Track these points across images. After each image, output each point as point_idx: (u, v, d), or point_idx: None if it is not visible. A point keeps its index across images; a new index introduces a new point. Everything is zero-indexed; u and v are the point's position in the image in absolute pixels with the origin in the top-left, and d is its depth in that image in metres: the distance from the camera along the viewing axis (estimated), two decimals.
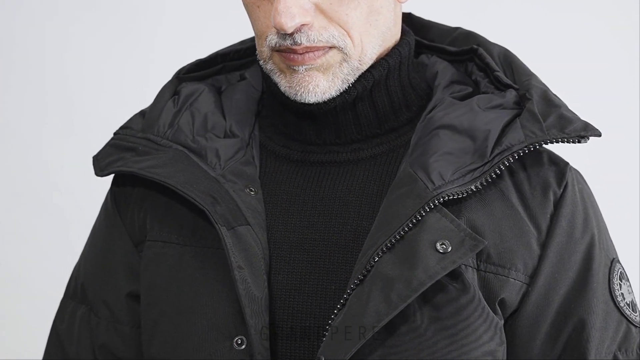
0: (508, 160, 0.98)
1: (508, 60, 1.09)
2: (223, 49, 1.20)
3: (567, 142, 0.98)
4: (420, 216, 0.96)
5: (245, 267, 0.97)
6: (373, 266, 0.95)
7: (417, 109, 1.08)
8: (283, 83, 1.02)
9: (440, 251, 0.94)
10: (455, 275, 0.96)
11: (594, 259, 1.01)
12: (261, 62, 1.04)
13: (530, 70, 1.08)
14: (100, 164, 1.09)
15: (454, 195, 0.96)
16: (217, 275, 1.00)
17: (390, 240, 0.95)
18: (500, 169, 0.98)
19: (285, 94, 1.03)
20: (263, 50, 1.03)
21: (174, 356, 1.02)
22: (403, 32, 1.09)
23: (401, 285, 0.92)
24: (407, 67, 1.07)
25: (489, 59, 1.09)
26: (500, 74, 1.07)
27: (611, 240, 1.07)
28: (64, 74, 1.99)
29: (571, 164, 1.06)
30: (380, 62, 1.04)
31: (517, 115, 1.02)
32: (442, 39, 1.16)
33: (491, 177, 0.98)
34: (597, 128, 1.00)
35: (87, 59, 1.98)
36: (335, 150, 1.06)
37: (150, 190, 1.08)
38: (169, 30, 1.91)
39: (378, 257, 0.95)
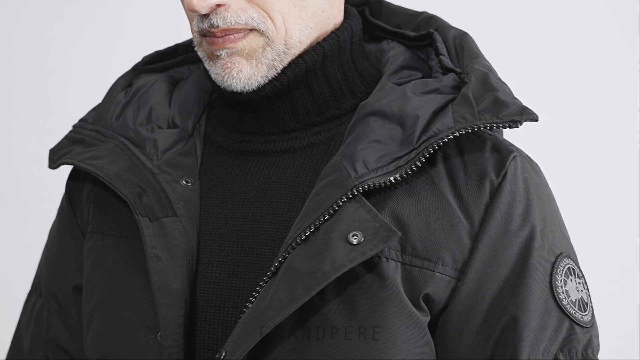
0: (433, 147, 0.92)
1: (461, 44, 1.03)
2: (184, 41, 1.18)
3: (502, 127, 0.93)
4: (337, 206, 0.91)
5: (165, 259, 0.95)
6: (286, 258, 0.91)
7: (364, 95, 1.03)
8: (212, 70, 1.00)
9: (353, 242, 0.89)
10: (373, 268, 0.92)
11: (532, 253, 0.94)
12: (196, 49, 1.02)
13: (478, 53, 1.02)
14: (54, 157, 1.09)
15: (376, 185, 0.92)
16: (141, 267, 0.99)
17: (305, 232, 0.92)
18: (425, 157, 0.92)
19: (215, 81, 1.00)
20: (195, 36, 1.01)
21: (103, 351, 1.01)
22: (347, 16, 1.05)
23: (307, 278, 0.88)
24: (349, 53, 1.03)
25: (439, 43, 1.04)
26: (445, 58, 1.03)
27: (563, 235, 1.00)
28: (51, 73, 1.98)
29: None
30: (315, 47, 1.00)
31: (452, 100, 0.97)
32: (407, 24, 1.11)
33: (416, 165, 0.93)
34: (535, 112, 0.94)
35: (73, 60, 1.96)
36: (273, 139, 1.03)
37: (95, 183, 1.08)
38: (153, 27, 1.89)
39: (292, 249, 0.92)
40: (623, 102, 1.76)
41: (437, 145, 0.92)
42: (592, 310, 0.98)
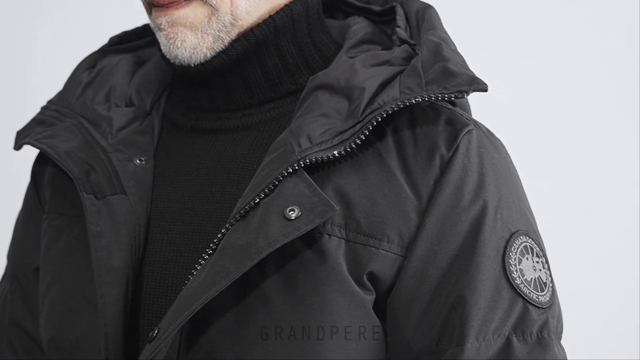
0: (376, 119, 0.89)
1: (423, 16, 1.00)
2: None
3: (449, 98, 0.89)
4: (278, 182, 0.89)
5: (108, 236, 0.94)
6: (225, 235, 0.89)
7: (321, 70, 1.00)
8: (160, 42, 0.98)
9: (290, 217, 0.86)
10: (314, 245, 0.89)
11: (483, 229, 0.90)
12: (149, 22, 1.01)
13: (436, 25, 0.98)
14: (19, 138, 1.09)
15: (319, 159, 0.89)
16: (86, 245, 0.97)
17: (245, 208, 0.89)
18: (368, 130, 0.89)
19: (165, 54, 0.99)
20: (145, 7, 0.99)
21: (52, 331, 1.00)
22: None
23: (240, 254, 0.86)
24: (305, 27, 1.00)
25: (398, 15, 1.01)
26: (400, 30, 0.99)
27: (523, 213, 0.95)
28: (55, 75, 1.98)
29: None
30: (266, 21, 0.98)
31: (402, 72, 0.93)
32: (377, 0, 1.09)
33: (360, 139, 0.89)
34: (485, 82, 0.89)
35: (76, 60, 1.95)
36: (227, 116, 1.01)
37: (55, 164, 1.06)
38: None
39: (231, 225, 0.89)
40: (620, 99, 1.71)
41: (380, 117, 0.89)
42: (553, 290, 0.93)
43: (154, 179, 1.01)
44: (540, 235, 0.96)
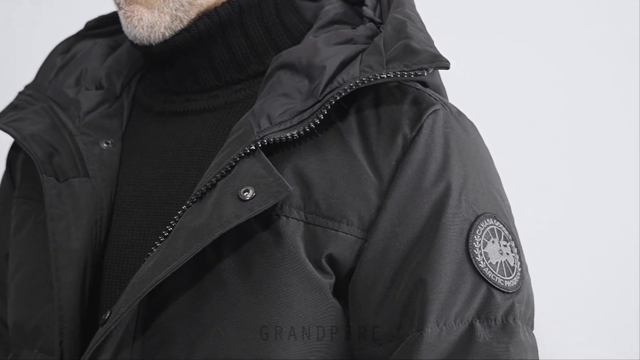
0: (335, 98, 0.87)
1: None
2: None
3: (409, 76, 0.86)
4: (235, 162, 0.87)
5: (68, 219, 0.93)
6: (180, 217, 0.88)
7: None
8: (122, 22, 0.97)
9: (245, 198, 0.84)
10: (270, 226, 0.87)
11: (446, 211, 0.87)
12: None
13: (404, 2, 0.95)
14: None
15: (277, 140, 0.87)
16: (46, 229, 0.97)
17: (201, 190, 0.87)
18: (327, 109, 0.87)
19: (127, 35, 0.98)
20: None
21: (15, 316, 0.99)
22: None
23: (192, 236, 0.84)
24: (273, 7, 0.98)
25: None
26: (367, 9, 0.97)
27: (492, 196, 0.91)
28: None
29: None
30: (230, 0, 0.96)
31: (364, 51, 0.91)
32: None
33: (319, 118, 0.87)
34: (447, 60, 0.87)
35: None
36: (194, 98, 1.00)
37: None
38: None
39: (187, 207, 0.88)
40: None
41: (339, 96, 0.87)
42: (521, 276, 0.89)
43: (121, 163, 1.00)
44: (511, 218, 0.93)
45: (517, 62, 1.59)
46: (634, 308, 1.52)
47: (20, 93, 1.10)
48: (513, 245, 0.90)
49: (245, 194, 0.84)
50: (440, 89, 0.98)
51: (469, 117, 0.95)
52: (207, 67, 0.98)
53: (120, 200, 0.97)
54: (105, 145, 1.00)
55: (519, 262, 0.90)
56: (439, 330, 0.84)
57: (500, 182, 0.95)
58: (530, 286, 0.92)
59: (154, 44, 0.95)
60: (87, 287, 0.92)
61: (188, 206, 0.88)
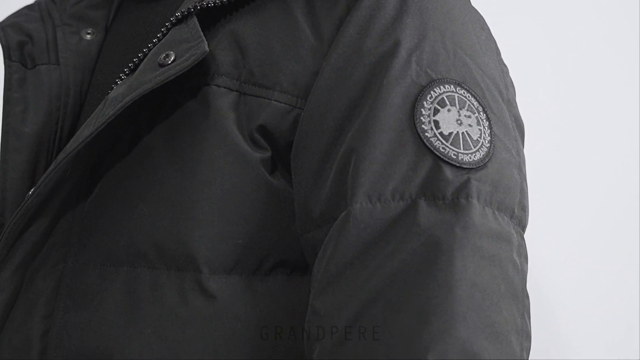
0: None
1: None
2: None
3: None
4: (167, 30, 0.82)
5: (26, 104, 0.91)
6: (112, 89, 0.84)
7: None
8: None
9: (165, 63, 0.78)
10: (197, 95, 0.80)
11: (388, 73, 0.75)
12: None
13: None
14: None
15: (212, 4, 0.80)
16: None
17: (133, 61, 0.84)
18: None
19: None
20: None
21: None
22: None
23: (110, 104, 0.79)
24: None
25: None
26: None
27: (462, 62, 0.78)
28: None
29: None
30: None
31: None
32: None
33: None
34: None
35: None
36: None
37: None
38: None
39: (120, 80, 0.84)
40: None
41: None
42: (490, 152, 0.75)
43: (100, 52, 0.97)
44: (492, 97, 0.79)
45: (516, 62, 1.59)
46: (634, 308, 1.52)
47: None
48: (483, 118, 0.77)
49: (165, 59, 0.78)
50: None
51: None
52: None
53: (92, 90, 0.94)
54: (86, 35, 0.97)
55: (488, 138, 0.76)
56: (372, 207, 0.72)
57: (492, 56, 0.83)
58: (512, 170, 0.77)
59: None
60: (37, 172, 0.89)
61: (121, 79, 0.84)
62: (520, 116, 0.85)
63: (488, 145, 0.75)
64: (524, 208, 0.78)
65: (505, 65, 0.87)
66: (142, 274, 0.79)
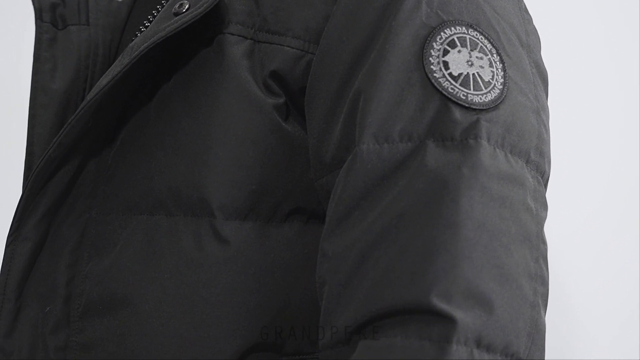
0: None
1: None
2: None
3: None
4: None
5: (55, 62, 0.93)
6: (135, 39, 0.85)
7: None
8: None
9: (180, 11, 0.80)
10: (212, 44, 0.81)
11: (398, 15, 0.74)
12: None
13: None
14: None
15: None
16: None
17: (152, 14, 0.86)
18: None
19: None
20: None
21: None
22: None
23: (127, 53, 0.80)
24: None
25: None
26: None
27: (477, 6, 0.77)
28: None
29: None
30: None
31: None
32: None
33: None
34: None
35: None
36: None
37: None
38: None
39: (140, 32, 0.87)
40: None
41: None
42: (504, 94, 0.74)
43: (130, 13, 0.98)
44: (508, 41, 0.78)
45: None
46: (634, 308, 1.50)
47: None
48: (496, 60, 0.75)
49: (180, 8, 0.80)
50: None
51: None
52: None
53: (122, 49, 0.96)
54: None
55: (502, 80, 0.74)
56: (379, 148, 0.72)
57: (511, 2, 0.81)
58: (527, 114, 0.75)
59: None
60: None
61: (140, 31, 0.85)
62: (543, 64, 0.83)
63: (501, 87, 0.74)
64: (542, 154, 0.76)
65: (529, 14, 0.85)
66: (160, 222, 0.80)
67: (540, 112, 0.78)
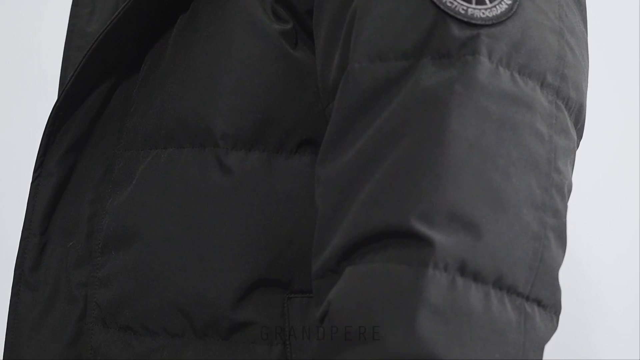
0: None
1: None
2: None
3: None
4: None
5: (93, 6, 0.94)
6: None
7: None
8: None
9: None
10: None
11: None
12: None
13: None
14: None
15: None
16: None
17: None
18: None
19: None
20: None
21: None
22: None
23: None
24: None
25: None
26: None
27: None
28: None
29: None
30: None
31: None
32: None
33: None
34: None
35: None
36: None
37: None
38: None
39: None
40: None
41: None
42: (513, 8, 0.67)
43: None
44: None
45: None
46: (634, 308, 1.46)
47: None
48: None
49: None
50: None
51: None
52: None
53: None
54: None
55: None
56: (372, 67, 0.67)
57: None
58: (544, 33, 0.68)
59: None
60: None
61: None
62: None
63: (510, 2, 0.67)
64: (564, 78, 0.69)
65: None
66: (172, 155, 0.79)
67: (565, 33, 0.71)
